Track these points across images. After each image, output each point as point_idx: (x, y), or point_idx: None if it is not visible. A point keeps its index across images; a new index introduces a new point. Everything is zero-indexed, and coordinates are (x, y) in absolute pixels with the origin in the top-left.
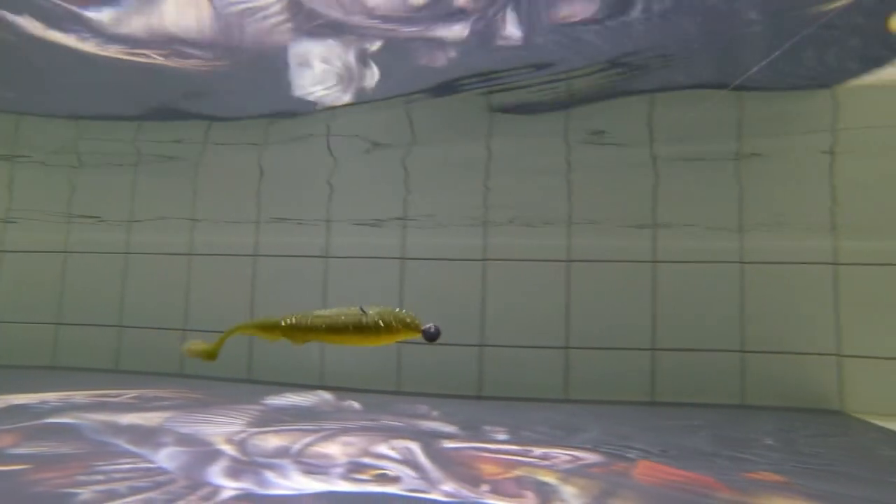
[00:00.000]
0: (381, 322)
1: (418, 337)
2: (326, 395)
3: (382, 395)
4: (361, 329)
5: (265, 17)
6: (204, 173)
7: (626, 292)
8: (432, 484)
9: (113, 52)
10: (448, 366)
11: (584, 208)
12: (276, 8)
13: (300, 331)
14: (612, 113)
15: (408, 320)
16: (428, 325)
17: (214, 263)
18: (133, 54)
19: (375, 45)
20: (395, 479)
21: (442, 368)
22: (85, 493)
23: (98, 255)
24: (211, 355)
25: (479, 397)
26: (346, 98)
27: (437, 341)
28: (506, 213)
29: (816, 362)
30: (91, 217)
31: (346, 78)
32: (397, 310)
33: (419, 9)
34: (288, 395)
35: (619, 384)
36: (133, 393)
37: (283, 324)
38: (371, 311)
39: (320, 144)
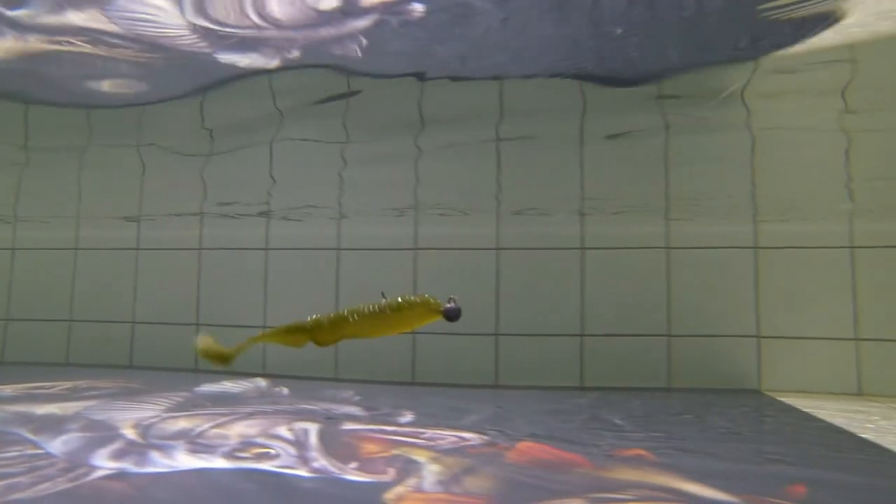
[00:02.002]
0: (403, 304)
1: (439, 318)
2: (261, 383)
3: (317, 382)
4: (383, 318)
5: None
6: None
7: (556, 279)
8: (305, 462)
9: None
10: (382, 355)
11: (511, 197)
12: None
13: (325, 330)
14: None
15: (431, 302)
16: (449, 305)
17: (160, 257)
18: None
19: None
20: (273, 457)
21: (376, 357)
22: None
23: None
24: (226, 360)
25: (411, 384)
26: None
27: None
28: (435, 203)
29: (738, 344)
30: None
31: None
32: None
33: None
34: (224, 382)
35: (549, 370)
36: (68, 384)
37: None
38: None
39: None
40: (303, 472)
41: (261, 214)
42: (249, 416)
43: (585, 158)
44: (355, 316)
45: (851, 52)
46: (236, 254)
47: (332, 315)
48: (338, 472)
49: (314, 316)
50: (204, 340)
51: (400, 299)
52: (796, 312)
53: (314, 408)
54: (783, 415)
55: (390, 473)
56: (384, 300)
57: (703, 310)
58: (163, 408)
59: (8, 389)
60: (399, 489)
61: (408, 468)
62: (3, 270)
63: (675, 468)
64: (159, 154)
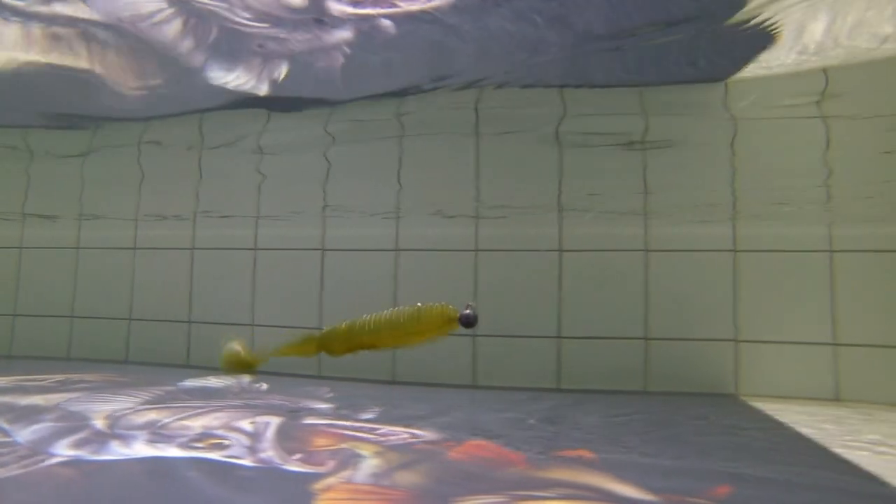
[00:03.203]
0: (418, 312)
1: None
2: (244, 379)
3: (300, 379)
4: (399, 327)
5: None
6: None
7: (534, 281)
8: (253, 452)
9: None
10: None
11: (490, 199)
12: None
13: (338, 341)
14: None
15: (447, 309)
16: (465, 312)
17: (155, 256)
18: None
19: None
20: (224, 448)
21: (357, 357)
22: None
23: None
24: (250, 368)
25: (391, 383)
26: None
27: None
28: (416, 205)
29: (715, 348)
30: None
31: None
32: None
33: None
34: (209, 378)
35: (526, 372)
36: (59, 377)
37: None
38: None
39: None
40: (246, 462)
41: (249, 216)
42: (219, 409)
43: (564, 161)
44: (370, 325)
45: (824, 62)
46: (226, 253)
47: (344, 325)
48: (280, 462)
49: (326, 327)
50: (230, 350)
51: (418, 305)
52: (774, 316)
53: (285, 403)
54: (747, 419)
55: (329, 465)
56: (398, 307)
57: (681, 313)
58: (140, 400)
59: (2, 381)
60: (330, 480)
61: (348, 461)
62: (10, 268)
63: (611, 469)
64: (156, 155)
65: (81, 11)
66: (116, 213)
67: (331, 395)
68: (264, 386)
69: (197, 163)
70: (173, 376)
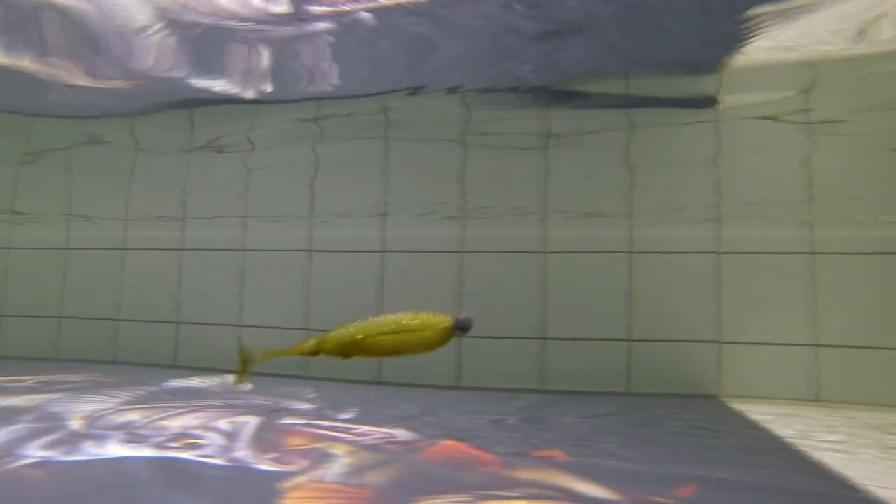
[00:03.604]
0: (413, 321)
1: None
2: (230, 379)
3: (285, 379)
4: (396, 336)
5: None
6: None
7: (519, 283)
8: (226, 452)
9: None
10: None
11: (476, 200)
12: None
13: (335, 345)
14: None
15: (441, 319)
16: (462, 317)
17: (144, 258)
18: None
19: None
20: (198, 448)
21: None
22: None
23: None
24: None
25: (378, 383)
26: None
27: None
28: (405, 206)
29: (698, 349)
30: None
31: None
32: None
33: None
34: (194, 378)
35: (511, 373)
36: (43, 378)
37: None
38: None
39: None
40: (219, 462)
41: (239, 217)
42: (200, 409)
43: (550, 162)
44: (372, 330)
45: (811, 70)
46: (215, 254)
47: (350, 328)
48: (253, 462)
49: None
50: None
51: (416, 313)
52: (757, 318)
53: (266, 403)
54: (725, 421)
55: (301, 464)
56: (394, 314)
57: (664, 315)
58: (121, 401)
59: None
60: (300, 479)
61: (321, 460)
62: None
63: (581, 469)
64: (147, 158)
65: None
66: (105, 213)
67: (314, 395)
68: (248, 386)
69: (185, 162)
70: (159, 376)
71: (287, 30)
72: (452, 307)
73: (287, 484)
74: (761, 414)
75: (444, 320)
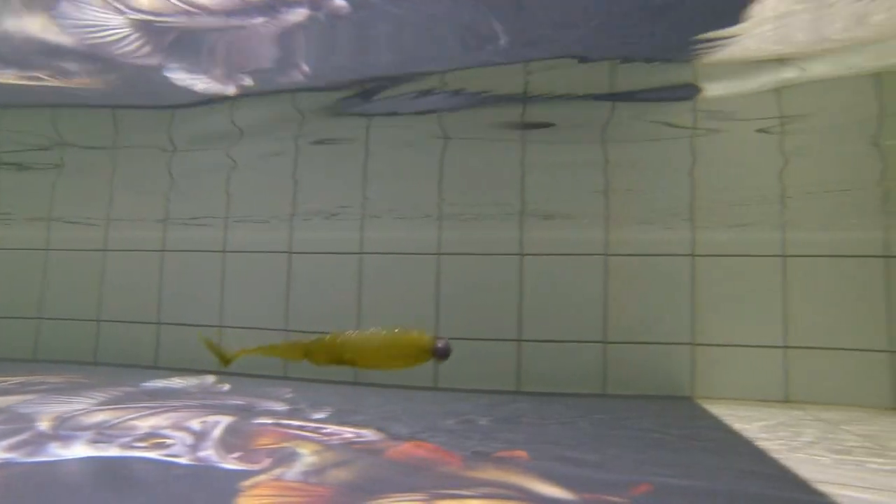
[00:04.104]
0: (393, 335)
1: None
2: (208, 379)
3: (264, 380)
4: (376, 348)
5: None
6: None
7: (494, 284)
8: (192, 451)
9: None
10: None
11: (452, 201)
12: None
13: (322, 352)
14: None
15: (424, 338)
16: (440, 342)
17: (125, 259)
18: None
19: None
20: (165, 447)
21: None
22: None
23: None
24: (225, 361)
25: (354, 384)
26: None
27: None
28: (382, 208)
29: (672, 351)
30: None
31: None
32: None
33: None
34: (174, 378)
35: (487, 374)
36: (20, 379)
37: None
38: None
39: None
40: (183, 461)
41: (219, 218)
42: (173, 409)
43: (525, 161)
44: (354, 342)
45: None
46: (196, 255)
47: (333, 338)
48: (217, 460)
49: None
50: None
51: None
52: (729, 320)
53: (240, 403)
54: (695, 422)
55: (264, 463)
56: (377, 328)
57: (639, 317)
58: (95, 402)
59: None
60: (261, 477)
61: (284, 459)
62: None
63: (541, 469)
64: (129, 158)
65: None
66: (86, 214)
67: (290, 395)
68: (226, 387)
69: (166, 163)
70: (138, 377)
71: (261, 20)
72: (431, 308)
73: (247, 482)
74: (732, 415)
75: (422, 339)
